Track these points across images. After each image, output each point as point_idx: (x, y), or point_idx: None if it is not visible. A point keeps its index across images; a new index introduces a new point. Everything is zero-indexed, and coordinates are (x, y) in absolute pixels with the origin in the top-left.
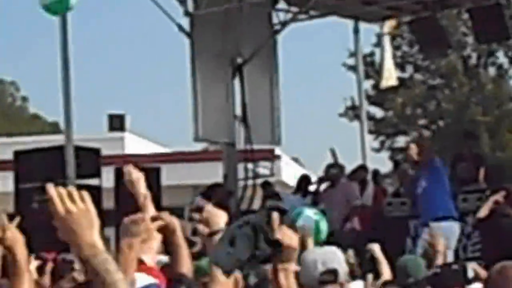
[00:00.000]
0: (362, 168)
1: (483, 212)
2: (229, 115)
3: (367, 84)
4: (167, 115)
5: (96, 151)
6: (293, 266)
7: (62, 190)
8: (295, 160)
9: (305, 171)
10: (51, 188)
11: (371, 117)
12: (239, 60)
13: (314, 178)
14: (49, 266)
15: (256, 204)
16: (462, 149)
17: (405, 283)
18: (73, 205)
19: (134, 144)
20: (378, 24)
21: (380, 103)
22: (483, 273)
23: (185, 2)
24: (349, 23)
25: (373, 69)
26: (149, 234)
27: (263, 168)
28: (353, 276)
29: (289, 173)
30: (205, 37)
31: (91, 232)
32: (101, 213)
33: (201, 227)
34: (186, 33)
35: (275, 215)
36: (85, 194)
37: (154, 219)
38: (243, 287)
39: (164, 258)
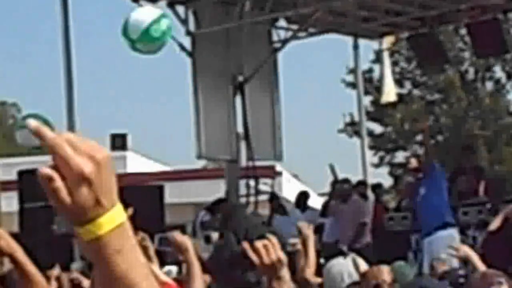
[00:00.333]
0: (362, 183)
1: (494, 225)
2: (231, 133)
3: (366, 100)
4: (168, 134)
5: None
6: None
7: None
8: (295, 176)
9: (305, 187)
10: None
11: (370, 133)
12: (241, 78)
13: (313, 194)
14: (54, 286)
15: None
16: (461, 163)
17: None
18: None
19: (135, 162)
20: (376, 41)
21: (379, 119)
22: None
23: (186, 22)
24: (348, 39)
25: (372, 86)
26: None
27: (264, 185)
28: None
29: (290, 189)
30: (206, 56)
31: None
32: None
33: None
34: (188, 52)
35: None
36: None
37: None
38: None
39: (174, 269)
